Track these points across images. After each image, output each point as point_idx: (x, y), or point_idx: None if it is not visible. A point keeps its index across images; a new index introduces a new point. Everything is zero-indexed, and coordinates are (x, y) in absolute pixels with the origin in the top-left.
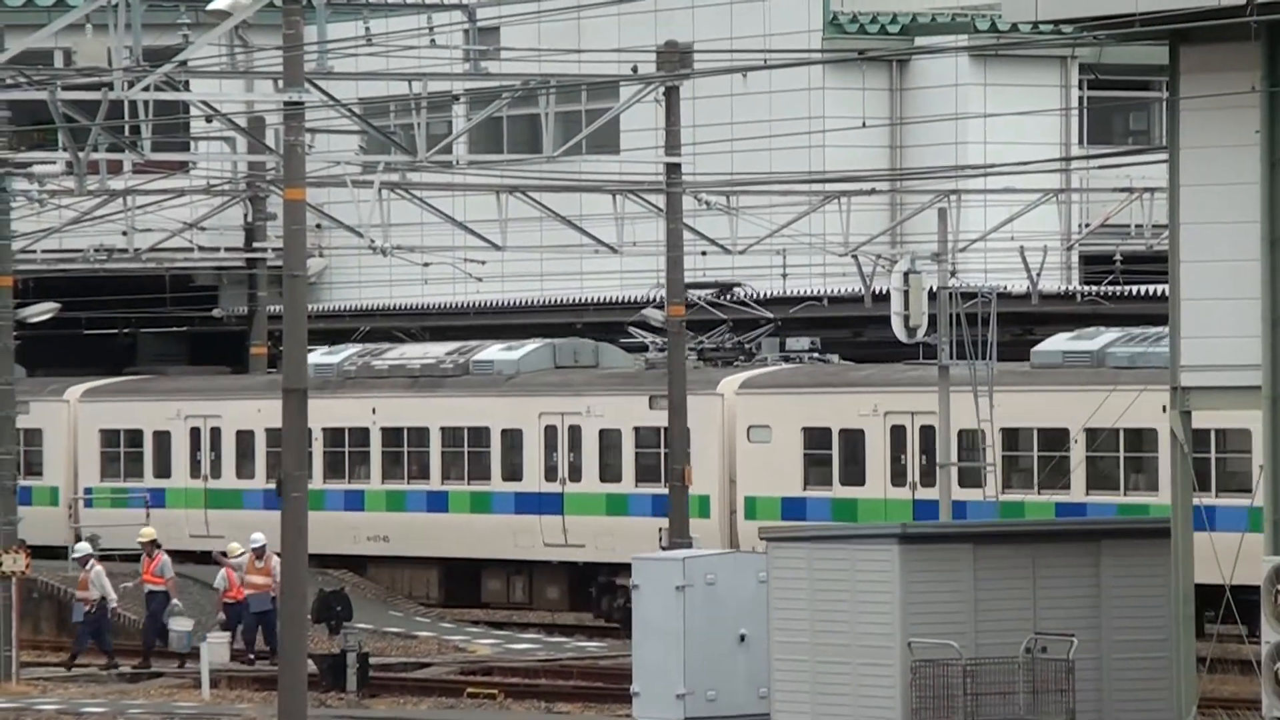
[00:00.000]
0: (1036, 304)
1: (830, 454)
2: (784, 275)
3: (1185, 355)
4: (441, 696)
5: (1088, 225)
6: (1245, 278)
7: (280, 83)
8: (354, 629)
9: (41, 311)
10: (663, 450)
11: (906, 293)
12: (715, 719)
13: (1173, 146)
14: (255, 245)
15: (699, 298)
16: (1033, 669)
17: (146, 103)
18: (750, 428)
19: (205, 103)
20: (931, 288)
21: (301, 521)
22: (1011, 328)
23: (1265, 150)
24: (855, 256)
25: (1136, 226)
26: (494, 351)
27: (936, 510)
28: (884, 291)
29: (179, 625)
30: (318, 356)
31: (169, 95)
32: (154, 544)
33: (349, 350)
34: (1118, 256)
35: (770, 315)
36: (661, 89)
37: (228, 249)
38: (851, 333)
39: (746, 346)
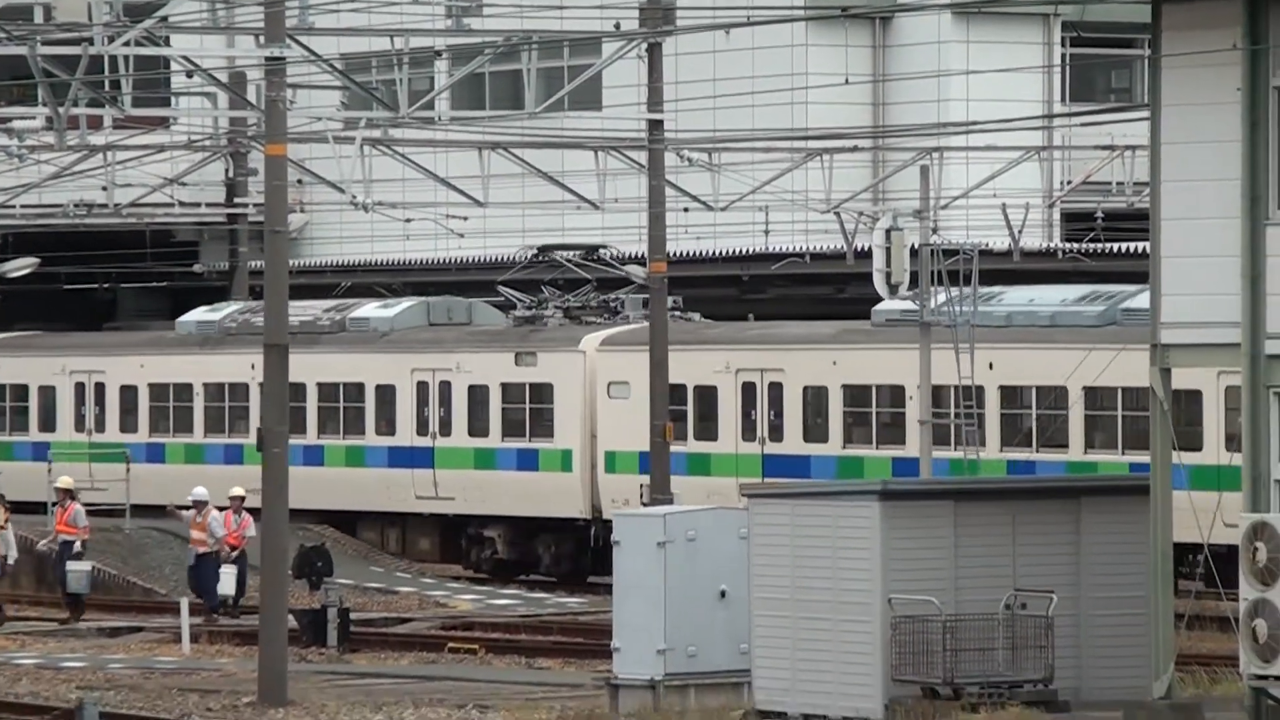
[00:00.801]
0: (1018, 261)
1: (685, 410)
2: (766, 232)
3: (1165, 312)
4: (422, 651)
5: (1069, 182)
6: (1226, 236)
7: (262, 38)
8: (334, 584)
9: (21, 267)
10: (528, 405)
11: (888, 250)
12: (696, 675)
13: (1154, 104)
14: (236, 201)
15: (565, 258)
16: (1012, 625)
17: (127, 58)
18: (610, 384)
19: (186, 58)
20: (913, 245)
21: (282, 477)
22: (993, 285)
23: (1246, 108)
24: (837, 213)
25: (1118, 184)
26: (370, 309)
27: (785, 465)
28: (866, 248)
29: (76, 566)
30: (201, 313)
31: (149, 50)
32: (68, 493)
33: (230, 307)
34: (1099, 214)
35: (636, 276)
36: (644, 45)
37: (209, 204)
38: (834, 289)
39: (612, 305)
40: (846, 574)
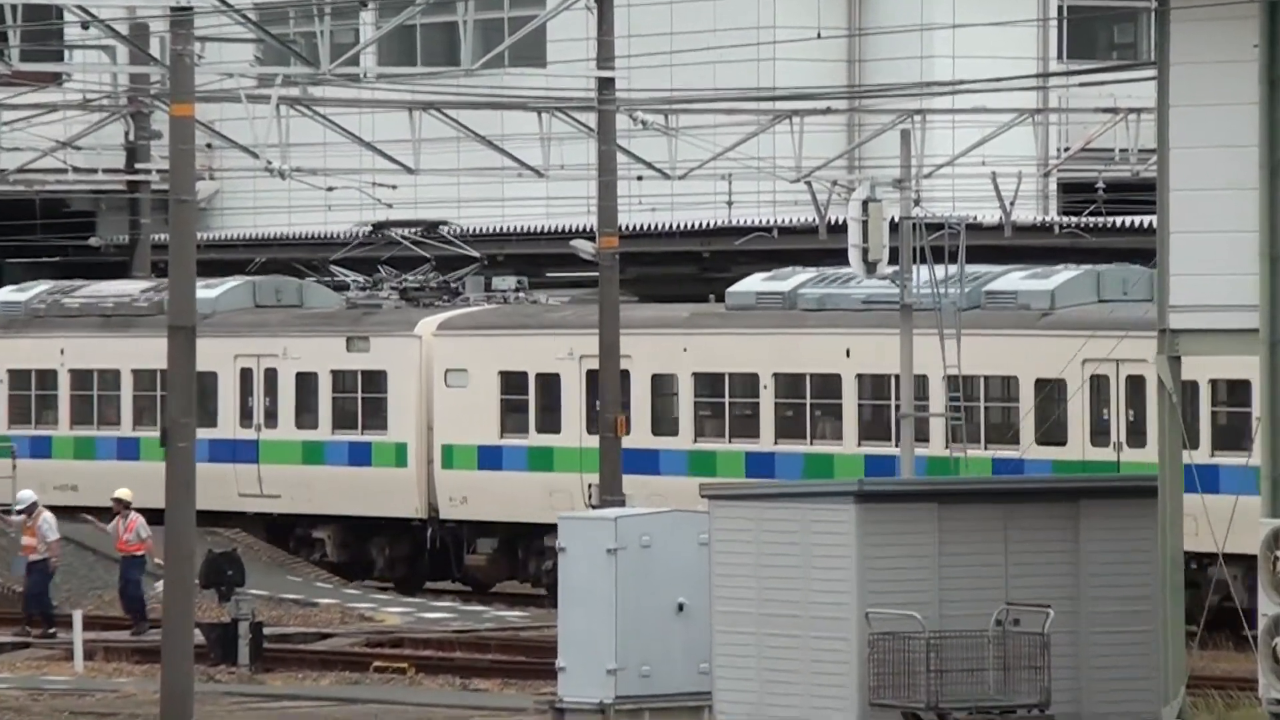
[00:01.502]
0: (1010, 236)
1: (527, 399)
2: (729, 203)
3: (1174, 294)
4: (345, 671)
5: (1067, 149)
6: (1241, 209)
7: None
8: (246, 595)
9: None
10: (360, 395)
11: (865, 223)
12: (650, 697)
13: (1162, 62)
14: (137, 167)
15: (401, 235)
16: (1004, 644)
17: (15, 6)
18: (448, 371)
19: (81, 7)
20: (893, 218)
21: (188, 475)
22: (982, 262)
23: (1264, 66)
24: (809, 183)
25: (1121, 151)
26: None
27: (631, 460)
28: (840, 222)
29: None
30: (6, 294)
31: None
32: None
33: (39, 287)
34: (1100, 184)
35: (476, 254)
36: None
37: (106, 171)
38: (805, 267)
39: (452, 285)
40: (819, 585)
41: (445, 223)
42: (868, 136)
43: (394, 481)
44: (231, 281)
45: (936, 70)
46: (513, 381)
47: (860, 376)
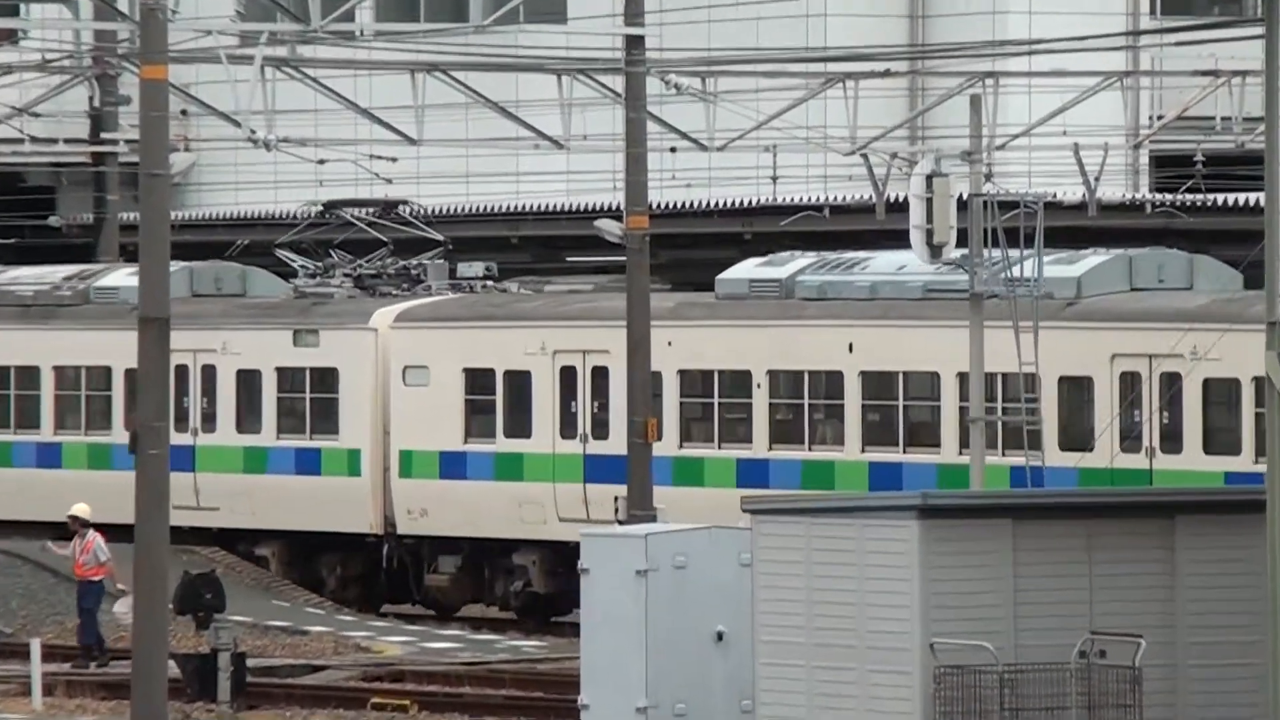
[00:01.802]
0: (1094, 216)
1: (494, 400)
2: (774, 179)
3: None
4: (339, 708)
5: (1160, 118)
6: None
7: None
8: (227, 622)
9: None
10: (309, 395)
11: (929, 201)
12: None
13: (1271, 18)
14: (103, 136)
15: (353, 216)
16: (1088, 678)
17: None
18: (406, 368)
19: None
20: (961, 195)
21: (162, 485)
22: (1063, 245)
23: None
24: (864, 155)
25: (1223, 119)
26: (120, 276)
27: (610, 468)
28: (901, 200)
29: None
30: None
31: None
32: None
33: None
34: (1198, 157)
35: (439, 237)
36: None
37: (68, 141)
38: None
39: (413, 272)
40: (877, 611)
41: (405, 202)
42: (932, 103)
43: (346, 492)
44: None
45: (1011, 28)
46: (478, 380)
47: (865, 374)
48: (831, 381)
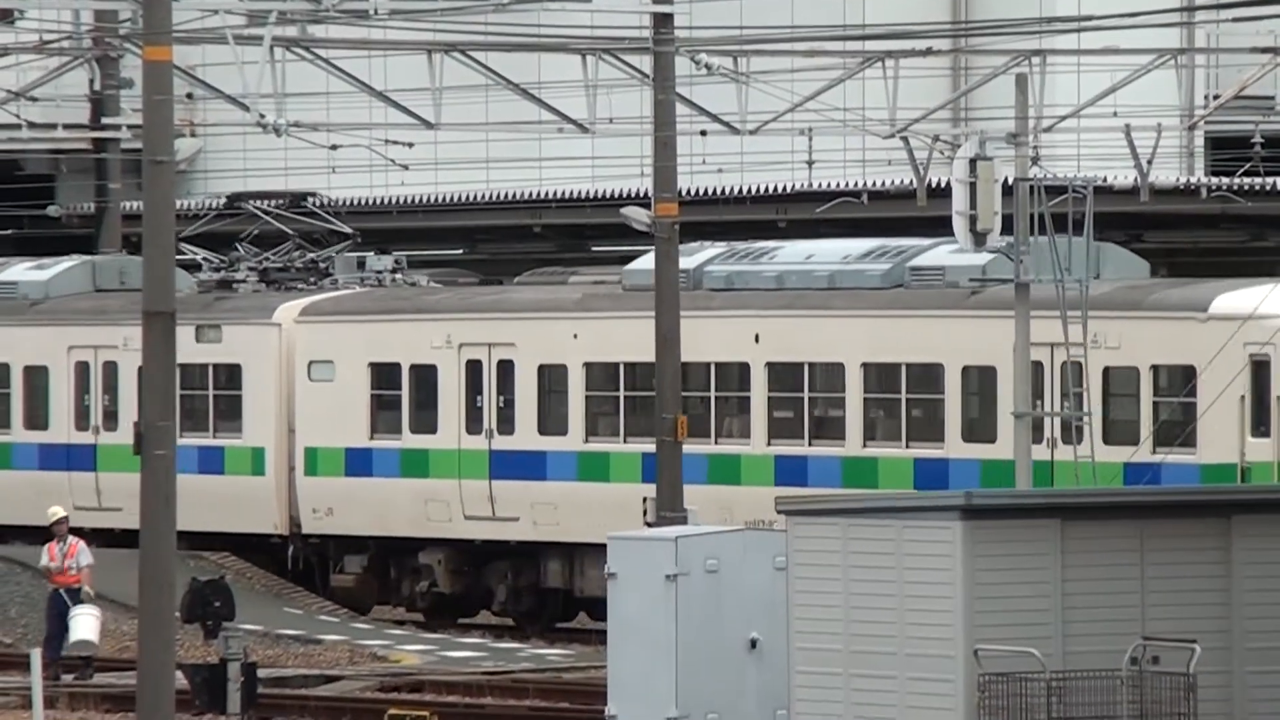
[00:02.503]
0: (1147, 201)
1: (400, 395)
2: (810, 163)
3: None
4: None
5: (1216, 97)
6: None
7: None
8: (237, 631)
9: None
10: (211, 392)
11: (973, 186)
12: None
13: None
14: (104, 122)
15: (256, 207)
16: (1140, 686)
17: None
18: (311, 363)
19: None
20: (1006, 179)
21: (168, 487)
22: (1114, 231)
23: None
24: (905, 138)
25: None
26: (19, 270)
27: (516, 463)
28: (943, 184)
29: None
30: None
31: None
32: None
33: None
34: (1256, 138)
35: (348, 230)
36: None
37: (67, 127)
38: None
39: (320, 265)
40: (918, 616)
41: (313, 193)
42: (976, 83)
43: (250, 492)
44: (68, 261)
45: (1059, 3)
46: (384, 375)
47: (771, 365)
48: (738, 373)
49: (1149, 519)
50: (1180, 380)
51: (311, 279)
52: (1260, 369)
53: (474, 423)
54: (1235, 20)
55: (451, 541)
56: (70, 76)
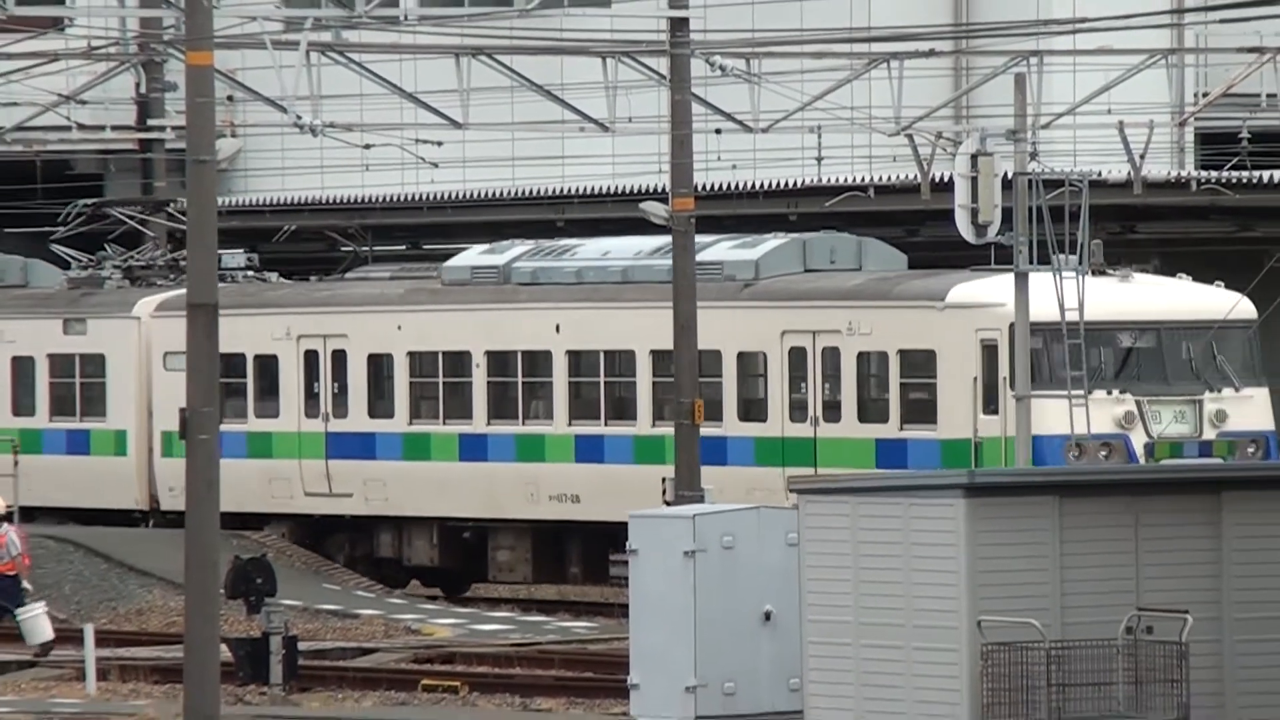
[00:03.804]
0: (1140, 194)
1: (245, 383)
2: (819, 159)
3: None
4: (390, 690)
5: (1205, 95)
6: None
7: None
8: (278, 606)
9: None
10: (79, 380)
11: (974, 180)
12: (734, 717)
13: None
14: (150, 123)
15: (121, 214)
16: (1135, 654)
17: None
18: (167, 354)
19: None
20: (1006, 174)
21: (212, 470)
22: (1109, 223)
23: None
24: (909, 135)
25: (1269, 96)
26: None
27: (349, 444)
28: (946, 179)
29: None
30: None
31: None
32: None
33: None
34: (1243, 134)
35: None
36: None
37: (115, 128)
38: (905, 230)
39: (180, 264)
40: (924, 589)
41: (173, 200)
42: (977, 82)
43: (114, 471)
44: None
45: (1055, 6)
46: (231, 364)
47: (570, 353)
48: (541, 360)
49: (1143, 496)
50: (923, 363)
51: (171, 276)
52: (990, 353)
53: (312, 407)
54: (1223, 21)
55: (294, 516)
56: (117, 80)
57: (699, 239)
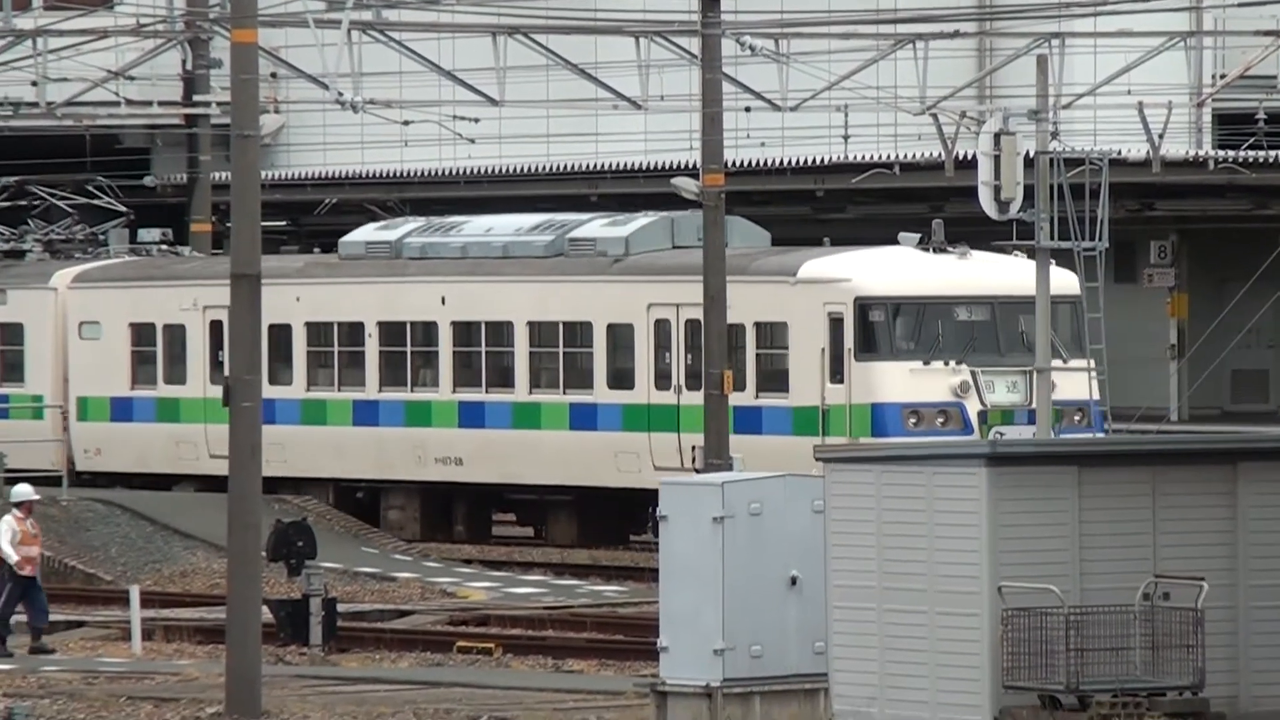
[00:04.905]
0: (1158, 173)
1: (155, 351)
2: (845, 138)
3: None
4: (426, 651)
5: (1223, 76)
6: None
7: None
8: (318, 569)
9: None
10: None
11: (997, 159)
12: (761, 679)
13: None
14: (196, 99)
15: (48, 192)
16: (1152, 620)
17: None
18: (82, 324)
19: None
20: (1028, 152)
21: (254, 437)
22: (1128, 201)
23: None
24: (934, 114)
25: None
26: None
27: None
28: (969, 157)
29: None
30: None
31: None
32: None
33: None
34: (1260, 114)
35: (123, 209)
36: None
37: (162, 103)
38: (929, 207)
39: (99, 238)
40: (946, 556)
41: (93, 179)
42: (1000, 63)
43: (32, 434)
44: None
45: None
46: (142, 333)
47: (455, 324)
48: (429, 331)
49: (1161, 465)
50: (777, 335)
51: (89, 250)
52: (836, 325)
53: (216, 375)
54: (1241, 5)
55: (200, 477)
56: (164, 57)
57: (574, 217)
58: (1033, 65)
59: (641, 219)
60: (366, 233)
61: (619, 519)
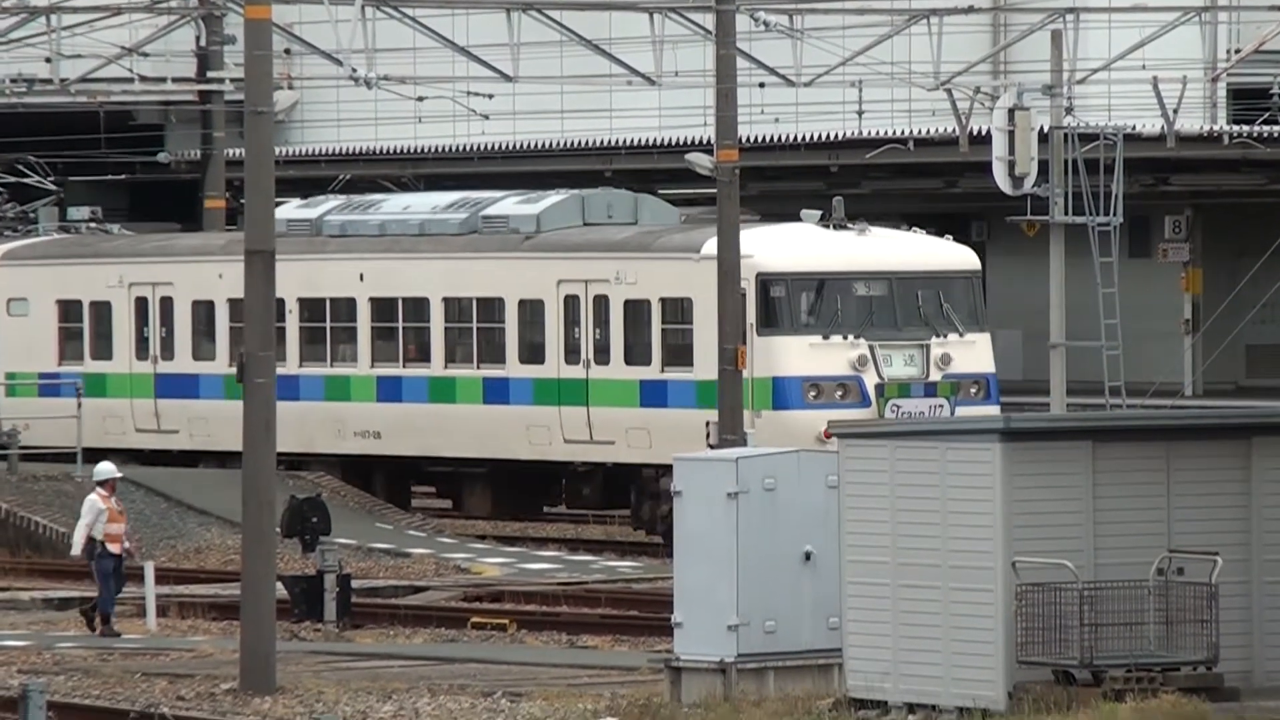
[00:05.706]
0: (1173, 147)
1: (82, 327)
2: (860, 113)
3: None
4: (440, 627)
5: (1238, 51)
6: None
7: None
8: (333, 545)
9: None
10: None
11: (1011, 134)
12: (775, 655)
13: None
14: (210, 75)
15: None
16: (1166, 595)
17: None
18: (10, 300)
19: None
20: (1042, 127)
21: (268, 414)
22: (1142, 176)
23: None
24: (948, 90)
25: None
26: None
27: (176, 385)
28: (984, 132)
29: None
30: None
31: None
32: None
33: None
34: (1275, 89)
35: (53, 187)
36: None
37: (175, 80)
38: (943, 182)
39: (30, 216)
40: (960, 531)
41: (23, 157)
42: (1014, 38)
43: None
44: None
45: None
46: (69, 310)
47: (374, 300)
48: (348, 307)
49: (1175, 440)
50: (682, 311)
51: (19, 228)
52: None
53: (142, 350)
54: None
55: (126, 451)
56: (178, 34)
57: (488, 195)
58: (1047, 40)
59: (553, 196)
60: (287, 211)
61: (533, 492)
